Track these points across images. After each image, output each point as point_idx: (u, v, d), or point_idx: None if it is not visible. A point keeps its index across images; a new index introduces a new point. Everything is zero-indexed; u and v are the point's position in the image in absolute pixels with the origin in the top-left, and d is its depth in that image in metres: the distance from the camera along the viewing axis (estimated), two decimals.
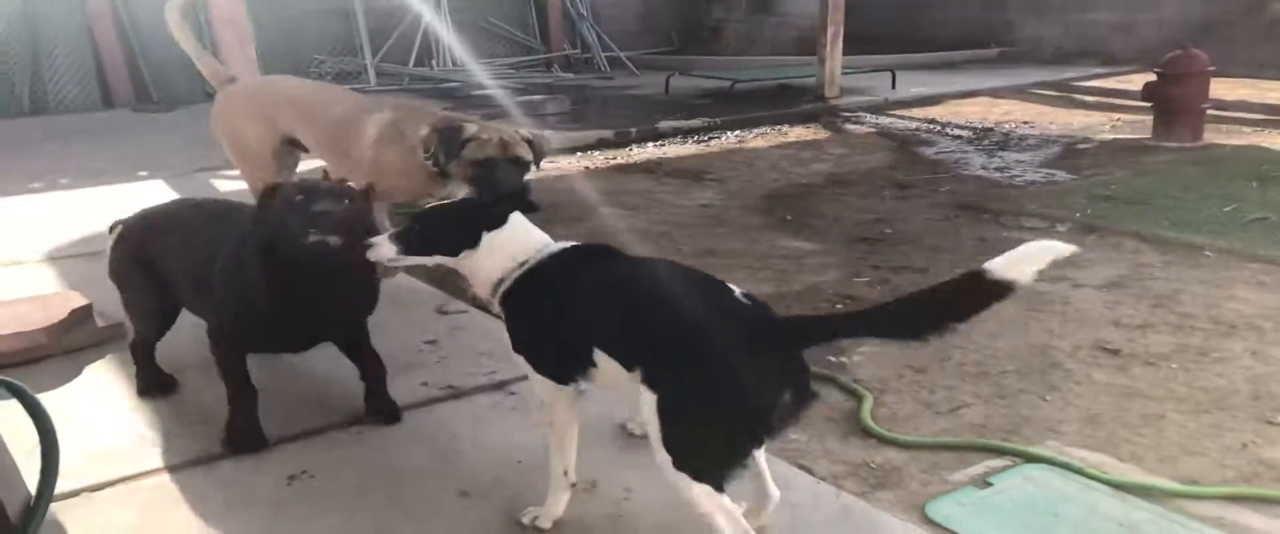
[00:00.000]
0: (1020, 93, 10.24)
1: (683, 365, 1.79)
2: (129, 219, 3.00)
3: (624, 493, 2.27)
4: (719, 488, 1.79)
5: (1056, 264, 1.59)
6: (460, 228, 2.20)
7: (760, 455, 2.03)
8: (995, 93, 10.19)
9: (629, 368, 1.89)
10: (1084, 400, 2.94)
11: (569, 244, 2.20)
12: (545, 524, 2.14)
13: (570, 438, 2.16)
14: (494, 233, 2.17)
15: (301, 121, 3.82)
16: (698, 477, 1.78)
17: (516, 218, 2.22)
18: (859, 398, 2.95)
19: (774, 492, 2.08)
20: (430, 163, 3.38)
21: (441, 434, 2.60)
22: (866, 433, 2.75)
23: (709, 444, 1.81)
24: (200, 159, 6.50)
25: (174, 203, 3.18)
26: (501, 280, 2.16)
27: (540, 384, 2.13)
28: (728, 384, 1.76)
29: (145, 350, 2.93)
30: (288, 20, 10.94)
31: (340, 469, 2.41)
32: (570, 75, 12.25)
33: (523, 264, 2.14)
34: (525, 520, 2.14)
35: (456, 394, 2.82)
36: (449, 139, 3.30)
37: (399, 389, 2.76)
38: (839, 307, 3.84)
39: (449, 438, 2.57)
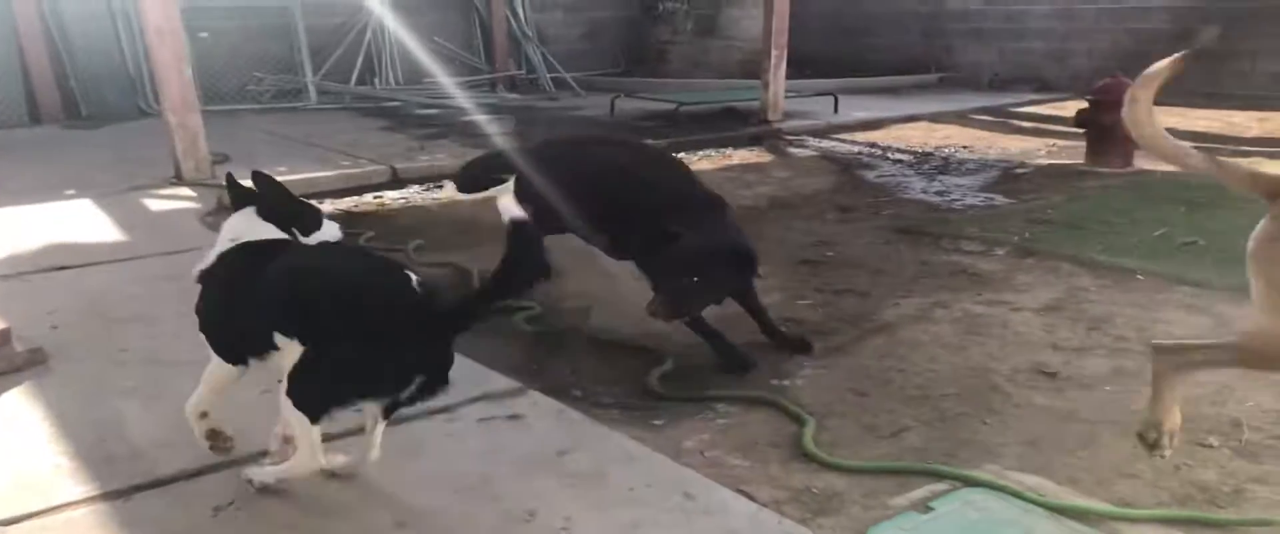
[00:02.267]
0: (960, 118, 10.44)
1: (326, 333, 2.14)
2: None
3: (563, 523, 2.22)
4: (314, 421, 2.19)
5: None
6: None
7: (377, 417, 2.37)
8: (936, 118, 10.38)
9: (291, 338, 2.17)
10: (1023, 423, 2.97)
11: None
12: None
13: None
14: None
15: None
16: (299, 407, 2.17)
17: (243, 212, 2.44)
18: (801, 422, 2.94)
19: (374, 453, 2.39)
20: None
21: (377, 462, 2.53)
22: (808, 457, 2.74)
23: (320, 390, 2.18)
24: (131, 177, 6.32)
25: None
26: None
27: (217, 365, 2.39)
28: (355, 351, 2.13)
29: None
30: (224, 35, 10.72)
31: (270, 500, 2.33)
32: (515, 96, 12.19)
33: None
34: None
35: (393, 420, 2.75)
36: None
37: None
38: (782, 328, 3.84)
39: (385, 466, 2.50)
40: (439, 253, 5.01)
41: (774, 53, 9.42)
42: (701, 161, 7.99)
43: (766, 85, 9.59)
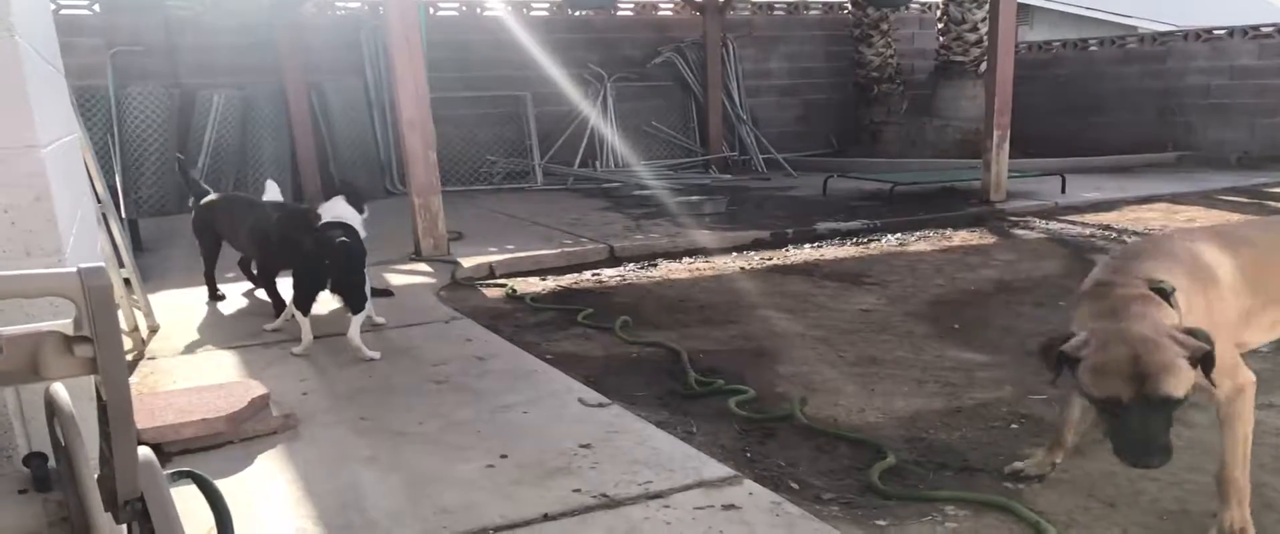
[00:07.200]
0: (1205, 198, 9.64)
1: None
2: None
3: None
4: (304, 313, 4.42)
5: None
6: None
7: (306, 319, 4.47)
8: (1176, 199, 9.63)
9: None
10: None
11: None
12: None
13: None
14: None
15: None
16: (295, 306, 4.47)
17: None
18: (1039, 531, 2.73)
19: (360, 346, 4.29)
20: None
21: None
22: None
23: (297, 294, 4.46)
24: (374, 252, 6.80)
25: None
26: None
27: None
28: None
29: None
30: (462, 123, 11.61)
31: None
32: (727, 176, 12.38)
33: None
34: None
35: (609, 504, 2.78)
36: None
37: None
38: (1014, 426, 3.61)
39: None
40: (648, 330, 5.08)
41: (996, 132, 9.11)
42: (919, 242, 7.76)
43: (988, 165, 9.26)
